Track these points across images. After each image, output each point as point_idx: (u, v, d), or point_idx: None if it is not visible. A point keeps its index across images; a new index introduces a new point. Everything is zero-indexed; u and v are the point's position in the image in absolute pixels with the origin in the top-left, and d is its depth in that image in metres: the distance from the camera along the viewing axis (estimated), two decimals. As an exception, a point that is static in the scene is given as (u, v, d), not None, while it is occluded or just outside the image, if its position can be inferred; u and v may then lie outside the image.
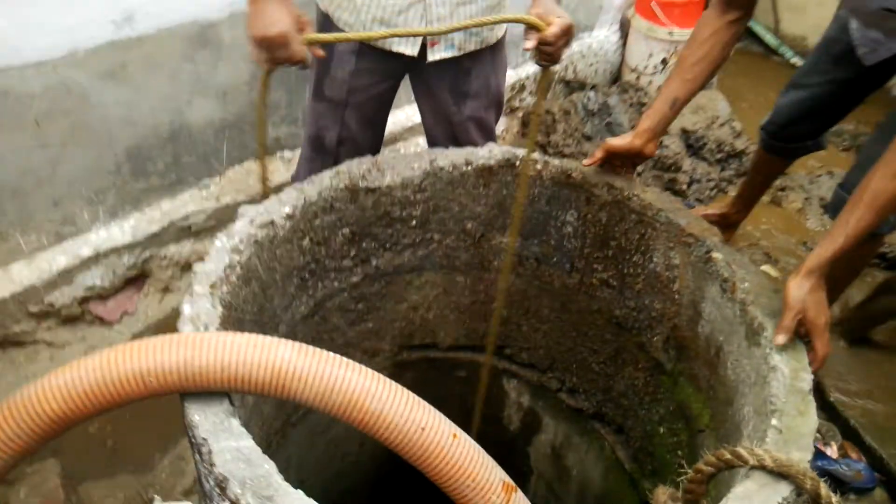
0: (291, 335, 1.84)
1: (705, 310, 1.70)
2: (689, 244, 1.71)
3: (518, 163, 1.87)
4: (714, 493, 1.31)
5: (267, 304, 1.66)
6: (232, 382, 1.16)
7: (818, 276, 1.49)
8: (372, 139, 2.25)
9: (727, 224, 3.37)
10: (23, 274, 2.21)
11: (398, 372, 2.27)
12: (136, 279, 2.44)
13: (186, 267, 2.57)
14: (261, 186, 1.80)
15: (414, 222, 1.93)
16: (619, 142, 1.83)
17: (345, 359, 1.22)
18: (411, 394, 1.24)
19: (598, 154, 1.84)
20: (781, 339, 1.43)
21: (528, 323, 2.18)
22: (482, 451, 1.28)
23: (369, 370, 1.22)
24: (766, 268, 2.65)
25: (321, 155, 2.15)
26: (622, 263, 1.89)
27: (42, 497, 1.82)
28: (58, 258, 2.28)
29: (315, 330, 1.93)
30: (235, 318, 1.48)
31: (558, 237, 1.98)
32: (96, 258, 2.35)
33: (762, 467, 1.19)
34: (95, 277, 2.35)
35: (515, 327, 2.21)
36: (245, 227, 1.54)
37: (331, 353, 1.21)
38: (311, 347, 1.20)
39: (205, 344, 1.16)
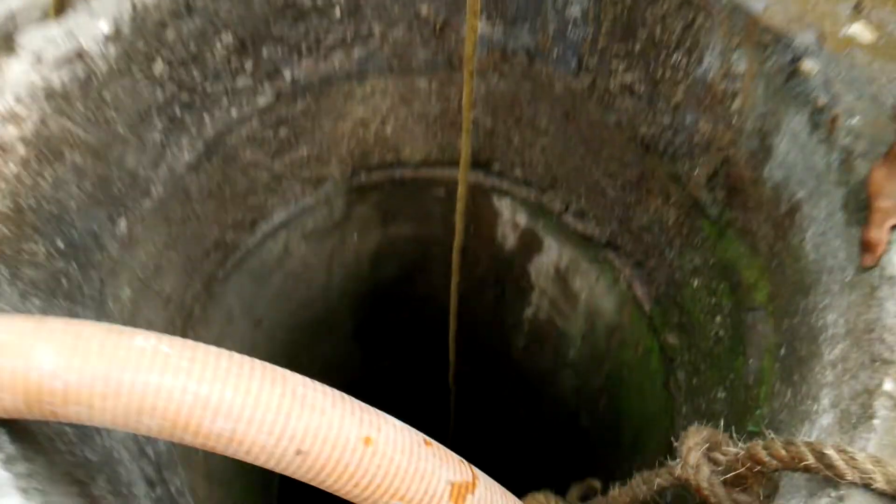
0: (180, 192, 1.31)
1: (779, 147, 1.11)
2: (765, 45, 1.06)
3: None
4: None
5: (113, 170, 1.11)
6: (-40, 414, 0.67)
7: None
8: None
9: None
10: None
11: (357, 197, 1.78)
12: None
13: None
14: None
15: (338, 11, 1.27)
16: None
17: (165, 337, 0.71)
18: (289, 381, 0.75)
19: None
20: (868, 259, 0.91)
21: (520, 135, 1.61)
22: (418, 442, 0.82)
23: (210, 350, 0.72)
24: (857, 27, 1.90)
25: None
26: (655, 63, 1.26)
27: None
28: None
29: (220, 174, 1.40)
30: (38, 222, 0.95)
31: (559, 22, 1.31)
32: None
33: (867, 487, 0.73)
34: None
35: (504, 140, 1.64)
36: (26, 72, 0.92)
37: (135, 333, 0.70)
38: (96, 329, 0.69)
39: None
